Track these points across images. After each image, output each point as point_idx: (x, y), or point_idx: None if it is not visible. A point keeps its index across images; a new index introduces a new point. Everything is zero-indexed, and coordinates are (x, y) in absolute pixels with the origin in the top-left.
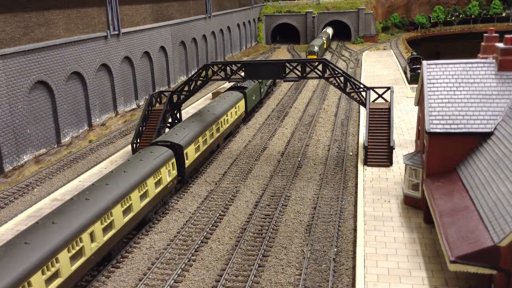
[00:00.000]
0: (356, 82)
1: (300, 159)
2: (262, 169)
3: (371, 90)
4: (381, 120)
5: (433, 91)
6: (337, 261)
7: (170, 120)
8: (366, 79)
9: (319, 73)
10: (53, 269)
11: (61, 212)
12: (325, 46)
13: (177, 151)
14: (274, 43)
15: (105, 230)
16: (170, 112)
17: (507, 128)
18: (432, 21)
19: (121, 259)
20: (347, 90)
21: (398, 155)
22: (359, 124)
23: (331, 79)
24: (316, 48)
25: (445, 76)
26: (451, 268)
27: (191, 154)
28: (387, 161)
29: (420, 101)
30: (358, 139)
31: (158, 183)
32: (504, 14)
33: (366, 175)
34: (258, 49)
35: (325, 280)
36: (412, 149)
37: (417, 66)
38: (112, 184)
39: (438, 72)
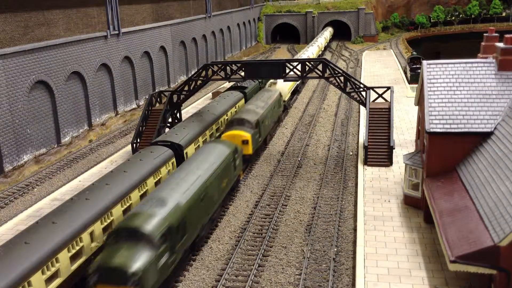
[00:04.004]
0: (356, 82)
1: (300, 159)
2: (262, 169)
3: (371, 90)
4: (381, 120)
5: (433, 91)
6: (337, 261)
7: (170, 120)
8: (366, 78)
9: (319, 73)
10: (53, 269)
11: (61, 212)
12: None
13: (177, 151)
14: (274, 43)
15: (105, 230)
16: (170, 112)
17: (507, 128)
18: (432, 21)
19: None
20: (347, 89)
21: (398, 155)
22: (359, 124)
23: (331, 79)
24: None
25: (445, 76)
26: (451, 268)
27: (191, 154)
28: (387, 161)
29: (420, 101)
30: (358, 139)
31: (158, 183)
32: (504, 14)
33: (366, 175)
34: (258, 49)
35: (325, 280)
36: (412, 149)
37: (417, 66)
38: (112, 184)
39: (438, 72)
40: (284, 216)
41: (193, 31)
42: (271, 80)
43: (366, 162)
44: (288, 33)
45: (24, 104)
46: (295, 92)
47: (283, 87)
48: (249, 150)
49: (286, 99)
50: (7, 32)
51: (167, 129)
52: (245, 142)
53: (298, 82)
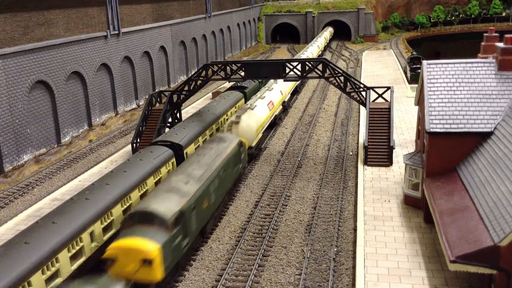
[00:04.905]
0: (356, 82)
1: (300, 159)
2: (262, 169)
3: (371, 90)
4: (381, 120)
5: (433, 90)
6: (337, 261)
7: (170, 120)
8: (366, 78)
9: (319, 72)
10: (53, 269)
11: (61, 212)
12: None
13: (177, 150)
14: (274, 43)
15: (105, 230)
16: (170, 111)
17: (507, 128)
18: (432, 20)
19: None
20: (347, 89)
21: (398, 155)
22: (359, 124)
23: (331, 79)
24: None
25: (445, 76)
26: (451, 267)
27: (191, 154)
28: (387, 161)
29: (420, 101)
30: (358, 138)
31: (158, 182)
32: (504, 14)
33: (366, 174)
34: (258, 49)
35: (325, 280)
36: (412, 149)
37: (417, 65)
38: (112, 184)
39: (438, 72)
40: (284, 216)
41: (193, 31)
42: (232, 118)
43: (366, 162)
44: (288, 33)
45: (24, 104)
46: (273, 125)
47: (249, 126)
48: (155, 274)
49: (254, 144)
50: (7, 32)
51: (167, 129)
52: (147, 262)
53: (276, 113)
